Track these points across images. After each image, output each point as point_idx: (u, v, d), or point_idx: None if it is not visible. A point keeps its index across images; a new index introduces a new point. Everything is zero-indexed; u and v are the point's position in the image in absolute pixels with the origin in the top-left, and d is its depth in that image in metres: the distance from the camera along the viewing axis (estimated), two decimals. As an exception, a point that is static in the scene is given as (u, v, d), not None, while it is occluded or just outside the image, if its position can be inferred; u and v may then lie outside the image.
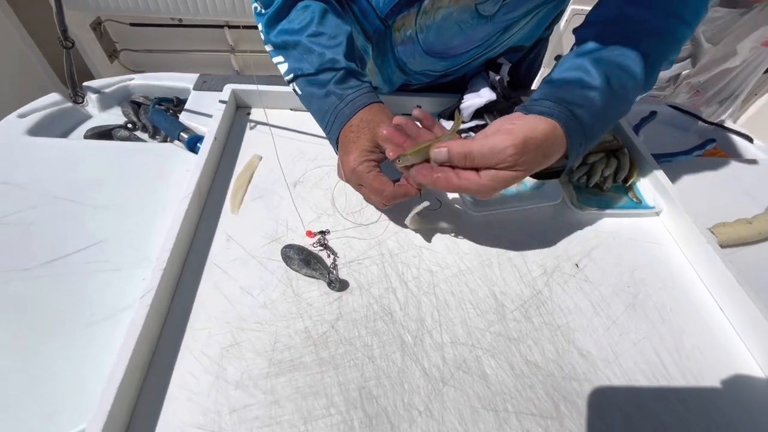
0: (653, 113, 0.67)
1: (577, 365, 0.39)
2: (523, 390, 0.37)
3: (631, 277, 0.47)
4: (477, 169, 0.37)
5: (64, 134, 0.61)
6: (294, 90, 0.49)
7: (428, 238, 0.48)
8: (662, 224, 0.53)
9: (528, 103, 0.41)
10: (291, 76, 0.48)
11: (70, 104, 0.64)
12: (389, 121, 0.43)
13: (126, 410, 0.33)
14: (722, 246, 0.49)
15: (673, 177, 0.54)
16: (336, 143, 0.46)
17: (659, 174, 0.54)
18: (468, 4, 0.50)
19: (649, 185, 0.55)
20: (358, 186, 0.44)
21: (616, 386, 0.38)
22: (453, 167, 0.37)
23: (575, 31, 0.46)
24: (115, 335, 0.38)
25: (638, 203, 0.54)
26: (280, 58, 0.49)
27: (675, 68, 1.49)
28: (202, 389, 0.35)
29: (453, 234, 0.49)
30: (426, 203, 0.44)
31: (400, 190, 0.42)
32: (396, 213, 0.49)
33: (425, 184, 0.39)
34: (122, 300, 0.41)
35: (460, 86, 0.63)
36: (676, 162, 0.61)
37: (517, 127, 0.36)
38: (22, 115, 0.59)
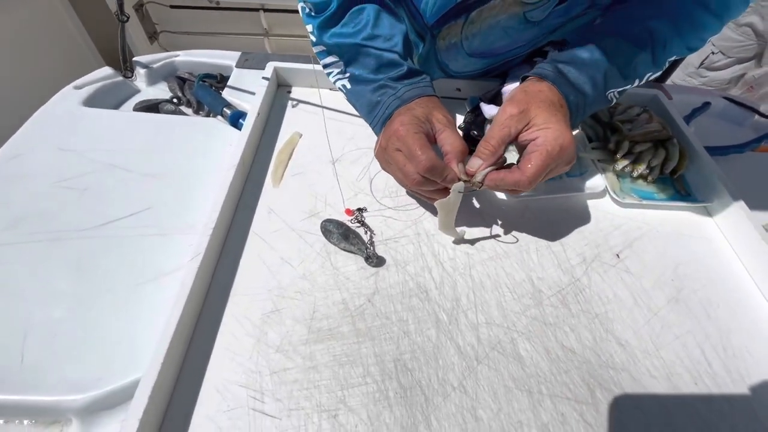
0: (706, 104, 0.63)
1: (614, 354, 0.38)
2: (559, 374, 0.36)
3: (675, 272, 0.45)
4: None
5: (116, 106, 0.64)
6: (342, 87, 0.49)
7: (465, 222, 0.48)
8: (712, 219, 0.51)
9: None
10: (345, 75, 0.48)
11: (120, 78, 0.67)
12: (446, 112, 0.44)
13: (176, 364, 0.34)
14: (777, 245, 0.47)
15: (726, 171, 0.51)
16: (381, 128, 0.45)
17: (711, 166, 0.51)
18: (516, 12, 0.49)
19: (699, 178, 0.53)
20: (395, 151, 0.41)
21: (656, 378, 0.37)
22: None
23: None
24: (161, 296, 0.40)
25: (686, 196, 0.52)
26: (331, 59, 0.49)
27: (739, 69, 1.41)
28: (245, 350, 0.36)
29: (490, 218, 0.48)
30: (461, 183, 0.41)
31: (439, 162, 0.39)
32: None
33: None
34: (168, 263, 0.43)
35: (502, 77, 0.62)
36: (729, 156, 0.58)
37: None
38: (78, 87, 0.62)
